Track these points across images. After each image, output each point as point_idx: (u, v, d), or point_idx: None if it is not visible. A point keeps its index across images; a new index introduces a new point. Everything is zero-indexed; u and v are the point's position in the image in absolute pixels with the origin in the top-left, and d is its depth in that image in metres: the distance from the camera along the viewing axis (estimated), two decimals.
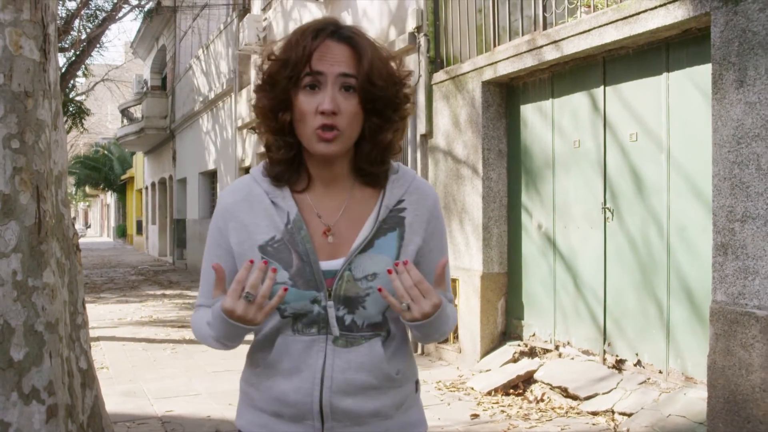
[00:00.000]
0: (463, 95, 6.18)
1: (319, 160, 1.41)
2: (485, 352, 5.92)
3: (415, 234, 1.44)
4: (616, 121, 4.92)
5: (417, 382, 1.53)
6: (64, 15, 12.55)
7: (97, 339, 7.60)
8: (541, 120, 5.68)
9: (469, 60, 6.17)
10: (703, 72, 4.17)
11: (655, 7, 4.22)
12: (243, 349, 1.52)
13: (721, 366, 3.73)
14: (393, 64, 1.41)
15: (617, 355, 4.92)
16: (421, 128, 6.70)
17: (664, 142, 4.53)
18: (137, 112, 21.72)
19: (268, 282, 1.27)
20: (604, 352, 5.04)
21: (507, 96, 6.05)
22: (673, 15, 4.11)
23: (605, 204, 5.03)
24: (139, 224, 28.66)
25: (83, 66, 14.61)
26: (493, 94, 6.02)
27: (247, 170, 12.00)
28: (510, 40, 5.84)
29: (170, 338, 7.91)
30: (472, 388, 5.36)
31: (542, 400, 4.99)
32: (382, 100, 1.38)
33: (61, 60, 13.70)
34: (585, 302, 5.23)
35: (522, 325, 5.89)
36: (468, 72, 6.10)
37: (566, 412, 4.69)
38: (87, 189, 39.47)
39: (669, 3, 4.12)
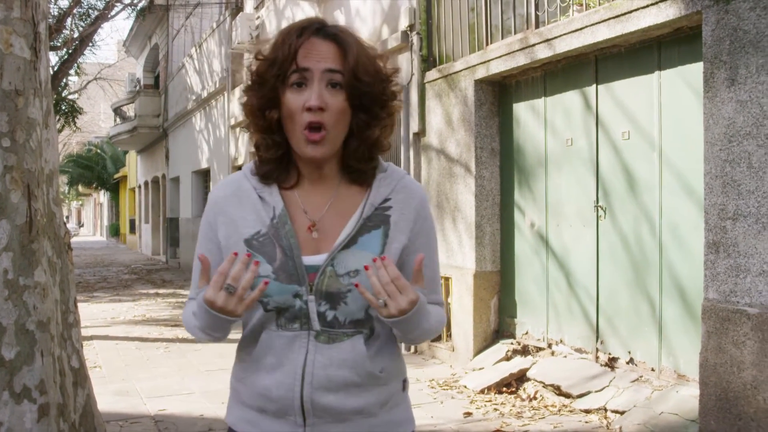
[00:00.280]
0: (456, 94, 6.18)
1: (308, 160, 1.42)
2: (478, 351, 5.93)
3: (401, 233, 1.44)
4: (609, 119, 4.93)
5: (405, 381, 1.53)
6: (56, 13, 12.51)
7: (90, 338, 7.58)
8: (533, 118, 5.69)
9: (461, 58, 6.17)
10: (695, 70, 4.18)
11: (647, 6, 4.23)
12: (235, 348, 1.52)
13: (713, 363, 3.75)
14: (380, 61, 1.42)
15: (610, 353, 4.94)
16: (414, 127, 6.71)
17: (656, 140, 4.54)
18: (130, 110, 21.65)
19: (249, 274, 1.29)
20: (597, 350, 5.05)
21: (499, 94, 6.06)
22: (665, 13, 4.12)
23: (598, 202, 5.04)
24: (132, 223, 28.60)
25: (76, 64, 14.56)
26: (486, 93, 6.03)
27: (239, 169, 11.97)
28: (502, 38, 5.85)
29: (163, 337, 7.89)
30: (465, 387, 5.37)
31: (535, 398, 5.00)
32: (369, 96, 1.39)
33: (54, 58, 13.66)
34: (578, 300, 5.25)
35: (515, 324, 5.90)
36: (461, 70, 6.11)
37: (559, 410, 4.71)
38: (80, 188, 39.37)
39: (660, 2, 4.13)
